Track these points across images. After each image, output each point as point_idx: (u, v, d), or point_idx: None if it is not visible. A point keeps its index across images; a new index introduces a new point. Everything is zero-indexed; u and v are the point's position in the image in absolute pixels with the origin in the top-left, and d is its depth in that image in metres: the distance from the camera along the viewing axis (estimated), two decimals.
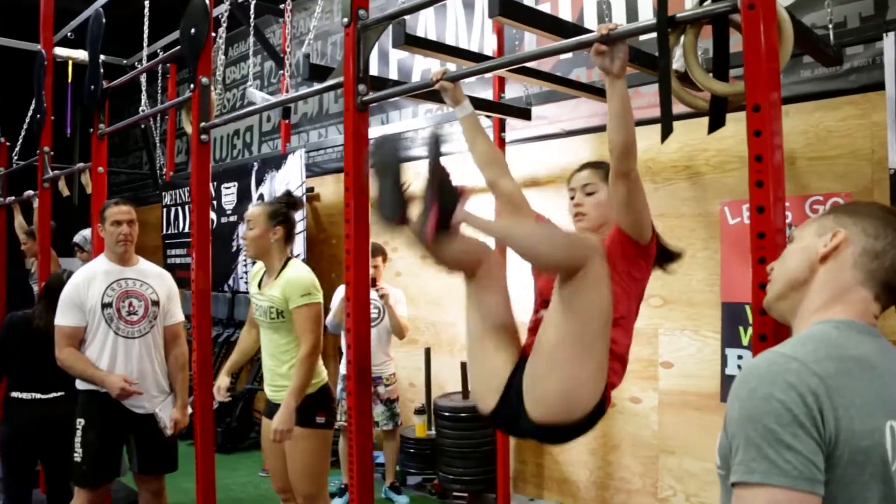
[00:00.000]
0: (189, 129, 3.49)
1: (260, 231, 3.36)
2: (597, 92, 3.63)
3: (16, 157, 6.60)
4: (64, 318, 3.56)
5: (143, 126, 5.21)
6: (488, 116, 4.39)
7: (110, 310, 3.58)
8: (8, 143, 6.98)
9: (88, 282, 3.60)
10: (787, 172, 3.75)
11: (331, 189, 6.82)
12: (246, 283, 6.62)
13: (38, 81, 5.10)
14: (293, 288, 3.30)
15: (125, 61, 7.59)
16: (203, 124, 3.35)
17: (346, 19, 2.51)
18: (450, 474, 4.88)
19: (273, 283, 3.37)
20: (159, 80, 7.72)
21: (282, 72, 6.27)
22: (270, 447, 3.44)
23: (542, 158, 4.98)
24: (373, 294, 4.27)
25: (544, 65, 4.42)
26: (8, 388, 4.02)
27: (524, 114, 4.16)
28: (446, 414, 4.90)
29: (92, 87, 4.34)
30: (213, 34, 4.51)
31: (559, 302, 1.93)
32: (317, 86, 2.83)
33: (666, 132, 1.91)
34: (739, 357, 3.96)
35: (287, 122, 5.68)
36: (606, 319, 1.94)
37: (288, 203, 3.52)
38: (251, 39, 6.34)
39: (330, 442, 3.49)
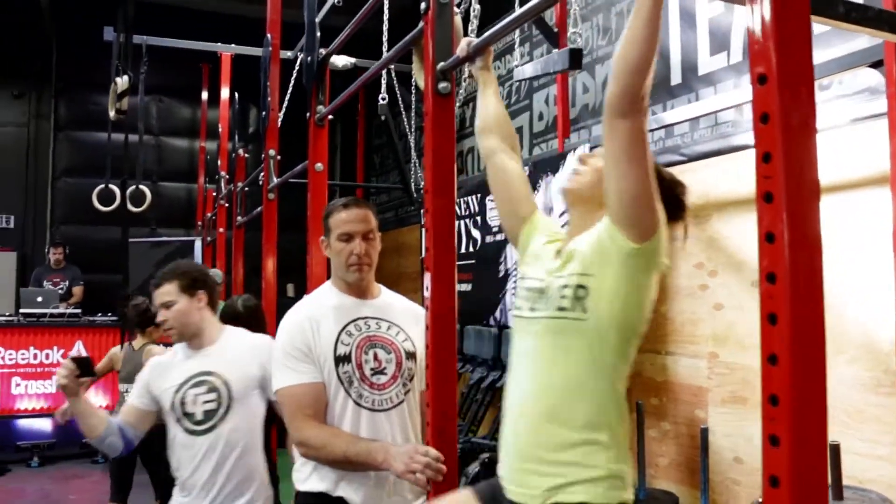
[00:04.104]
0: (421, 80, 2.24)
1: None
2: None
3: None
4: (291, 374, 2.23)
5: (383, 118, 4.10)
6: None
7: (348, 366, 2.24)
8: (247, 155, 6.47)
9: (315, 322, 2.28)
10: None
11: None
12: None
13: (264, 72, 4.18)
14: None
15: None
16: (442, 64, 2.08)
17: None
18: None
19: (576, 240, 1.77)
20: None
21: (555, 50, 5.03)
22: None
23: None
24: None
25: None
26: None
27: None
28: None
29: (308, 59, 3.24)
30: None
31: None
32: None
33: None
34: None
35: (569, 71, 4.43)
36: None
37: None
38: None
39: None
